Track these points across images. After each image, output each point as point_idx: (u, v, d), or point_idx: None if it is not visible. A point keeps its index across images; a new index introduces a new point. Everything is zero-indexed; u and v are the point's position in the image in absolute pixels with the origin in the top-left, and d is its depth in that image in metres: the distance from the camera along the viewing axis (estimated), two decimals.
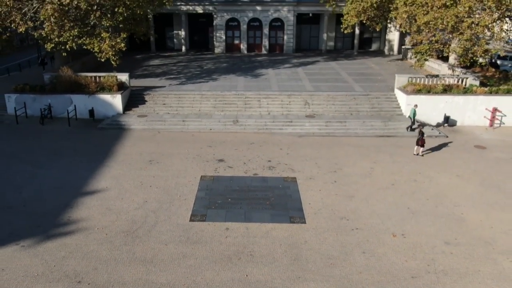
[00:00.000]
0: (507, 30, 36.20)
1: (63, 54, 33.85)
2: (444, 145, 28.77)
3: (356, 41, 54.88)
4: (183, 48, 54.86)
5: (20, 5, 31.83)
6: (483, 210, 20.21)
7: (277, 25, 54.19)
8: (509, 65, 46.39)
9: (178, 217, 19.10)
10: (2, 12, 30.62)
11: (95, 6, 31.85)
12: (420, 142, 26.21)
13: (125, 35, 33.61)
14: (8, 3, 30.11)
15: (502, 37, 33.83)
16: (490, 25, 31.20)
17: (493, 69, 41.74)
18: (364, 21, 41.46)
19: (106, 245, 16.89)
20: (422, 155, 26.50)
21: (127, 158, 25.51)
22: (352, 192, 21.76)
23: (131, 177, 22.95)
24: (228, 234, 17.80)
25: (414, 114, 29.74)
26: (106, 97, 32.12)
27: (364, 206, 20.32)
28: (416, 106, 29.92)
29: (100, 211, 19.42)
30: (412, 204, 20.65)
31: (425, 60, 33.50)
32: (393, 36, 54.36)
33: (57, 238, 17.31)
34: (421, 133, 26.20)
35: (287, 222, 18.86)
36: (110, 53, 31.95)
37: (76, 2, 30.26)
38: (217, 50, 54.31)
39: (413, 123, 29.91)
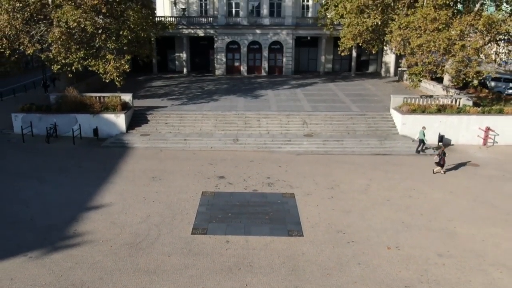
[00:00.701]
0: (498, 52, 37.50)
1: (69, 75, 34.95)
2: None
3: (353, 63, 56.28)
4: (185, 70, 56.21)
5: (28, 28, 33.07)
6: (475, 224, 20.90)
7: (276, 47, 55.67)
8: (503, 86, 47.57)
9: (180, 230, 19.77)
10: (12, 34, 31.80)
11: (101, 29, 33.10)
12: (442, 161, 26.94)
13: (129, 57, 34.77)
14: (17, 26, 31.32)
15: (493, 59, 35.02)
16: (481, 48, 32.37)
17: (486, 90, 42.89)
18: (360, 44, 42.77)
19: (111, 257, 17.53)
20: (444, 173, 27.29)
21: (130, 174, 26.28)
22: (349, 207, 22.46)
23: (135, 192, 23.69)
24: (229, 246, 18.45)
25: (423, 136, 30.49)
26: (110, 116, 33.09)
27: (360, 220, 21.01)
28: (424, 128, 30.73)
29: (105, 225, 20.10)
30: (406, 218, 21.34)
31: (419, 81, 34.57)
32: (390, 58, 55.77)
33: (63, 249, 17.96)
34: (443, 153, 26.93)
35: (285, 235, 19.53)
36: (115, 74, 33.05)
37: (82, 26, 31.47)
38: (217, 72, 55.62)
39: (423, 144, 30.64)
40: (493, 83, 48.56)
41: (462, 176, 27.24)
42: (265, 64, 56.01)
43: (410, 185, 25.44)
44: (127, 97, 34.86)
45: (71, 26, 31.41)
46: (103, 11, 32.65)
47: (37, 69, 59.04)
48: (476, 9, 35.76)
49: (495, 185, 25.82)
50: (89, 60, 33.51)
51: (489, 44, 35.62)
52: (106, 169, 27.04)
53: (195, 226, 20.14)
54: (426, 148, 31.15)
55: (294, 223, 20.59)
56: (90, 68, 34.30)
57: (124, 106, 33.93)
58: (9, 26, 31.01)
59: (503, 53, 38.39)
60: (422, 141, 30.65)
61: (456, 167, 28.80)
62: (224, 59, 55.64)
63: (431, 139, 32.85)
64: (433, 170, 27.38)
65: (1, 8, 30.68)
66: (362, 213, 21.77)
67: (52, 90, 39.86)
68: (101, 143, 31.78)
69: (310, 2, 56.24)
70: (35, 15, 33.21)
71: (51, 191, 23.75)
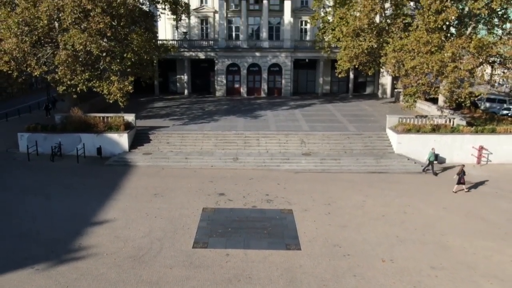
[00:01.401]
0: (491, 74, 38.60)
1: (74, 96, 36.02)
2: (433, 180, 30.38)
3: (350, 85, 57.59)
4: (186, 91, 57.45)
5: (35, 51, 34.28)
6: (467, 238, 21.57)
7: (275, 70, 57.03)
8: (497, 107, 48.70)
9: (182, 244, 20.44)
10: (19, 57, 32.98)
11: (105, 52, 34.31)
12: (462, 180, 27.70)
13: (132, 79, 35.89)
14: (25, 49, 32.52)
15: (485, 81, 36.13)
16: (473, 70, 33.49)
17: (480, 111, 43.96)
18: (357, 66, 44.05)
19: (114, 269, 18.17)
20: (468, 190, 28.03)
21: (133, 192, 27.03)
22: (345, 222, 23.16)
23: (137, 208, 24.40)
24: (228, 259, 19.11)
25: (432, 156, 31.09)
26: (113, 136, 34.01)
27: (356, 235, 21.69)
28: (433, 149, 31.48)
29: (109, 239, 20.77)
30: (401, 233, 22.02)
31: (414, 101, 35.61)
32: (386, 80, 57.07)
33: (69, 262, 18.61)
34: (463, 172, 27.68)
35: (283, 248, 20.20)
36: (118, 95, 34.13)
37: (88, 48, 32.68)
38: (218, 94, 56.84)
39: (432, 165, 31.22)
40: (488, 104, 49.71)
41: (456, 193, 27.96)
42: (264, 86, 57.27)
43: (405, 202, 26.16)
44: (130, 117, 35.85)
45: (77, 49, 32.62)
46: (108, 34, 33.93)
47: (40, 90, 60.36)
48: (468, 32, 37.12)
49: (488, 201, 26.55)
50: (94, 81, 34.64)
51: (482, 66, 36.80)
52: (109, 186, 27.80)
53: (196, 240, 20.81)
54: (427, 169, 31.64)
55: (292, 238, 21.27)
56: (94, 89, 35.40)
57: (127, 126, 34.88)
58: (17, 49, 32.20)
59: (496, 75, 39.49)
60: (431, 162, 31.16)
61: (450, 184, 29.51)
62: (225, 81, 56.94)
63: (426, 158, 33.65)
64: (453, 189, 27.98)
65: (10, 32, 31.89)
66: (358, 228, 22.45)
67: (53, 113, 40.83)
68: (105, 162, 32.60)
69: (308, 26, 57.93)
70: (42, 38, 34.48)
71: (57, 207, 24.47)
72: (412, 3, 40.71)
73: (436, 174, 31.32)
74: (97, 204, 24.79)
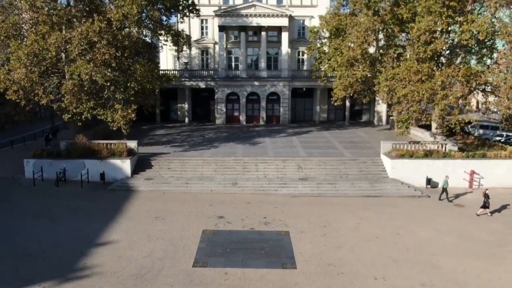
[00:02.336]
0: (485, 101, 39.85)
1: (79, 123, 37.33)
2: (426, 204, 31.32)
3: (347, 113, 59.11)
4: (186, 119, 58.90)
5: (43, 81, 35.78)
6: (457, 258, 22.40)
7: (273, 98, 58.65)
8: (491, 133, 50.03)
9: (182, 264, 21.26)
10: (28, 86, 34.44)
11: (110, 82, 35.79)
12: (487, 204, 28.53)
13: (135, 107, 37.26)
14: (34, 79, 34.01)
15: (477, 108, 37.53)
16: (462, 97, 34.93)
17: (472, 137, 45.22)
18: (351, 94, 45.60)
19: (118, 287, 18.98)
20: (491, 215, 28.72)
21: (135, 215, 27.95)
22: (340, 243, 24.01)
23: (139, 230, 25.28)
24: (227, 278, 19.92)
25: (446, 184, 31.58)
26: (116, 162, 35.13)
27: (350, 255, 22.52)
28: (447, 177, 32.15)
29: (112, 259, 21.61)
30: (394, 253, 22.85)
31: (407, 128, 36.90)
32: (382, 108, 58.61)
33: (74, 280, 19.43)
34: (486, 196, 28.55)
35: (280, 267, 21.03)
36: (122, 122, 35.42)
37: (94, 78, 34.18)
38: (218, 122, 58.27)
39: (446, 193, 31.71)
40: (481, 131, 51.06)
41: (448, 215, 28.90)
42: (263, 114, 58.75)
43: (399, 224, 27.04)
44: (132, 143, 37.05)
45: (83, 79, 34.10)
46: (113, 65, 35.50)
47: (45, 119, 61.81)
48: (458, 61, 38.77)
49: (479, 223, 27.44)
50: (98, 109, 36.00)
51: (472, 94, 38.28)
52: (112, 210, 28.72)
53: (196, 260, 21.63)
54: (443, 197, 32.05)
55: (288, 257, 22.10)
56: (98, 117, 36.72)
57: (130, 152, 36.04)
58: (26, 78, 33.68)
59: (487, 102, 40.86)
60: (445, 189, 31.65)
61: (443, 207, 30.50)
62: (224, 109, 58.45)
63: (419, 182, 34.74)
64: (477, 212, 28.77)
65: (19, 63, 33.43)
66: (352, 249, 23.29)
67: (53, 143, 41.99)
68: (108, 187, 33.58)
69: (305, 56, 59.96)
70: (49, 68, 36.04)
71: (61, 229, 25.35)
72: (403, 35, 42.55)
73: (450, 200, 31.70)
74: (100, 227, 25.67)
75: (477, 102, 37.39)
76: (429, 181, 34.72)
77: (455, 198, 31.94)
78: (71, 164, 34.92)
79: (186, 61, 60.17)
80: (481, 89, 38.92)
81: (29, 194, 32.00)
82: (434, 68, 36.55)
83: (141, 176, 35.23)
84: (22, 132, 52.72)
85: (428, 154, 35.88)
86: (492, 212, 29.05)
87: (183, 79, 56.95)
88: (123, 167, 35.18)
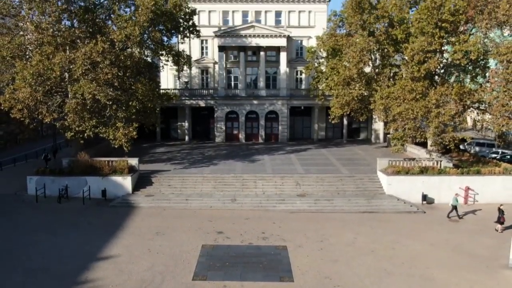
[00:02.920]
0: (481, 119, 40.67)
1: (81, 141, 38.14)
2: (422, 219, 31.91)
3: (344, 131, 60.00)
4: (186, 137, 59.74)
5: (46, 99, 36.71)
6: (451, 271, 22.94)
7: (272, 117, 59.60)
8: (486, 151, 50.83)
9: (182, 277, 21.79)
10: (32, 105, 35.35)
11: (112, 101, 36.70)
12: (502, 219, 29.05)
13: (136, 125, 38.11)
14: (38, 98, 34.95)
15: (472, 126, 38.42)
16: (456, 115, 35.80)
17: (468, 154, 45.98)
18: (348, 113, 46.53)
19: None
20: (502, 232, 28.96)
21: (136, 230, 28.51)
22: (336, 257, 24.55)
23: (140, 245, 25.83)
24: None
25: (455, 201, 31.88)
26: (118, 179, 35.82)
27: (346, 268, 23.06)
28: (457, 195, 32.71)
29: (114, 273, 22.13)
30: (388, 266, 23.39)
31: (402, 145, 37.70)
32: (379, 126, 59.51)
33: None
34: (501, 212, 29.03)
35: (277, 280, 21.56)
36: (123, 140, 36.23)
37: (97, 97, 35.12)
38: (217, 140, 59.10)
39: (456, 210, 31.95)
40: (477, 148, 51.91)
41: (443, 230, 29.46)
42: (262, 132, 59.62)
43: (394, 239, 27.59)
44: (133, 161, 37.79)
45: (86, 98, 35.03)
46: (115, 84, 36.50)
47: (46, 137, 62.64)
48: (452, 80, 39.84)
49: (473, 238, 28.00)
50: (100, 127, 36.85)
51: (466, 112, 39.20)
52: (113, 225, 29.29)
53: (196, 274, 22.16)
54: (453, 214, 32.18)
55: (286, 271, 22.63)
56: (100, 135, 37.53)
57: (131, 170, 36.76)
58: (30, 97, 34.62)
59: (482, 120, 41.74)
60: (455, 207, 31.84)
61: (438, 222, 31.08)
62: (224, 128, 59.35)
63: (415, 198, 35.36)
64: (495, 228, 29.27)
65: (25, 82, 34.40)
66: (348, 262, 23.83)
67: (52, 163, 42.88)
68: (109, 203, 34.19)
69: (303, 75, 61.16)
70: (53, 88, 37.01)
71: (64, 244, 25.90)
72: (398, 55, 43.73)
73: (461, 217, 31.91)
74: (102, 242, 26.22)
75: (474, 121, 38.29)
76: (424, 197, 35.35)
77: (455, 214, 32.42)
78: (73, 181, 35.60)
79: (186, 80, 61.34)
80: (475, 107, 39.88)
81: (32, 210, 32.59)
82: (428, 87, 37.51)
83: (142, 193, 35.86)
84: (24, 150, 53.49)
85: (423, 171, 36.59)
86: (503, 230, 29.29)
87: (183, 98, 58.01)
88: (124, 184, 35.84)
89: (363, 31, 42.39)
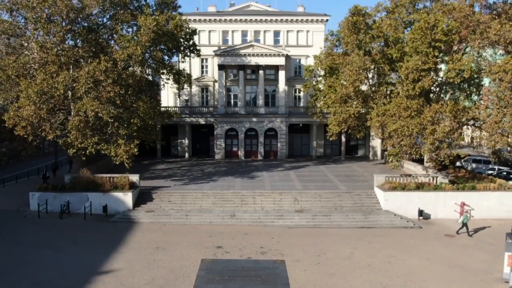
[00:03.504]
0: (473, 137, 41.61)
1: (83, 158, 38.81)
2: (418, 234, 32.39)
3: (343, 148, 60.76)
4: (186, 154, 60.45)
5: (49, 117, 37.52)
6: (446, 284, 23.42)
7: (271, 134, 60.43)
8: (483, 167, 51.47)
9: None
10: (35, 122, 36.14)
11: (114, 118, 37.50)
12: None
13: (137, 142, 38.83)
14: (42, 115, 35.76)
15: (467, 143, 39.14)
16: (450, 132, 36.55)
17: (464, 170, 46.62)
18: (346, 130, 47.33)
19: None
20: None
21: (136, 245, 28.99)
22: (333, 271, 25.01)
23: (141, 260, 26.30)
24: None
25: (465, 219, 32.20)
26: (119, 194, 36.40)
27: (342, 281, 23.52)
28: (468, 212, 33.28)
29: (115, 286, 22.59)
30: (384, 280, 23.85)
31: (397, 161, 38.39)
32: (376, 143, 60.25)
33: None
34: None
35: None
36: (125, 157, 36.92)
37: (99, 115, 35.94)
38: (217, 157, 59.78)
39: (467, 227, 32.21)
40: (474, 165, 52.56)
41: (438, 245, 29.95)
42: (261, 149, 60.35)
43: (390, 253, 28.07)
44: (134, 177, 38.41)
45: (89, 115, 35.85)
46: (117, 102, 37.35)
47: (48, 154, 63.36)
48: (447, 98, 40.72)
49: (467, 252, 28.49)
50: (102, 144, 37.57)
51: (465, 128, 39.93)
52: (114, 240, 29.78)
53: (195, 287, 22.61)
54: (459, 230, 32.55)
55: (284, 284, 23.09)
56: (102, 152, 38.23)
57: (132, 186, 37.36)
58: (34, 115, 35.43)
59: (477, 137, 42.55)
60: (465, 224, 32.10)
61: (434, 237, 31.56)
62: (223, 145, 60.10)
63: (412, 214, 35.89)
64: None
65: (29, 100, 35.24)
66: (345, 276, 24.29)
67: (52, 181, 43.49)
68: (110, 219, 34.71)
69: (301, 93, 62.23)
70: (57, 105, 37.86)
71: (66, 258, 26.37)
72: (393, 73, 44.76)
73: (471, 235, 32.06)
74: (103, 256, 26.69)
75: (471, 138, 39.12)
76: (421, 212, 35.89)
77: (465, 231, 32.73)
78: (75, 197, 36.17)
79: (186, 98, 62.34)
80: (470, 124, 40.70)
81: (34, 226, 33.08)
82: (424, 104, 38.35)
83: (142, 209, 36.40)
84: (26, 167, 54.12)
85: (419, 187, 37.21)
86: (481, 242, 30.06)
87: (183, 116, 58.91)
88: (125, 200, 36.40)
89: (359, 50, 43.48)
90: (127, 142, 37.79)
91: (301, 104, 62.93)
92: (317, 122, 57.68)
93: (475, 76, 40.65)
